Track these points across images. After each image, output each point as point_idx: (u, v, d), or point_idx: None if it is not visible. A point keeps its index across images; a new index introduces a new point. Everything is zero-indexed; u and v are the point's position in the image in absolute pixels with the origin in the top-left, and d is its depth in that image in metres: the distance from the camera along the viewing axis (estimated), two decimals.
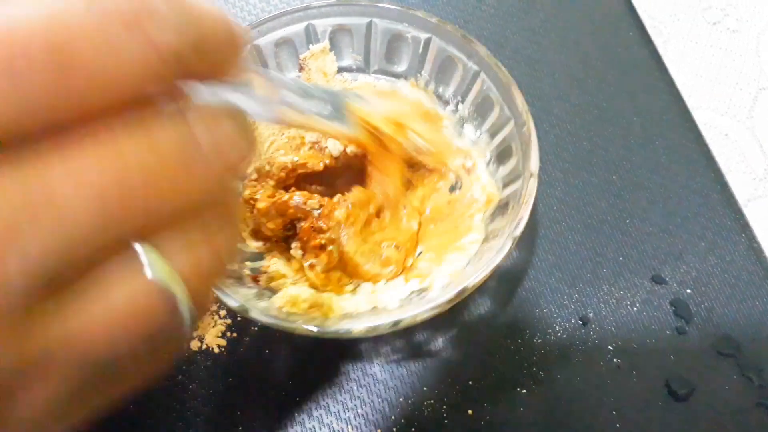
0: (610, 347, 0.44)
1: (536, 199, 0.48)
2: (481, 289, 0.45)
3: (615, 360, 0.44)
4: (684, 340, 0.45)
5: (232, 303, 0.34)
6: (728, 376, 0.44)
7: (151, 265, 0.17)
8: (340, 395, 0.42)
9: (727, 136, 0.81)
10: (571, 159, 0.51)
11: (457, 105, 0.46)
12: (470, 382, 0.43)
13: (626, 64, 0.56)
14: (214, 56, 0.19)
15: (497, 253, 0.36)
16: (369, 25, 0.45)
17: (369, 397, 0.42)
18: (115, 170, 0.15)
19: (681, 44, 0.87)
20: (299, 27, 0.45)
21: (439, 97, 0.47)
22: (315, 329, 0.34)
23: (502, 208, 0.42)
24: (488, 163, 0.45)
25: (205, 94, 0.18)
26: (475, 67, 0.44)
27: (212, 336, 0.43)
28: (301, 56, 0.46)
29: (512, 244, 0.36)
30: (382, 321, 0.34)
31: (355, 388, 0.43)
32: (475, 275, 0.35)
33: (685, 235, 0.48)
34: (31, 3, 0.15)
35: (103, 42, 0.15)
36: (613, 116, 0.53)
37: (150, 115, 0.16)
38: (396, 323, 0.34)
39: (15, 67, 0.14)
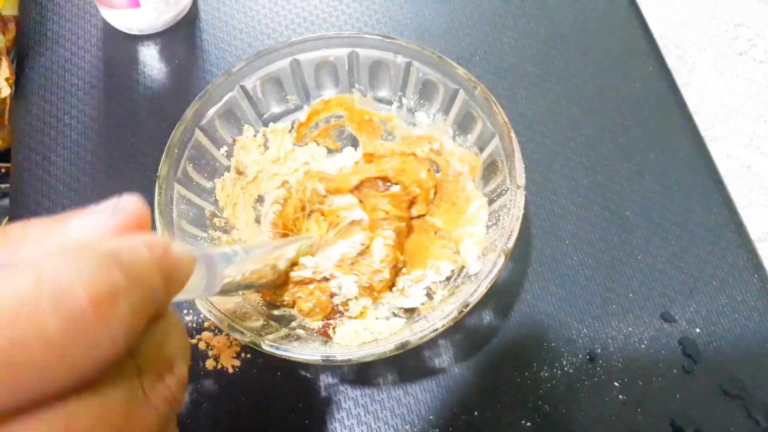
0: (616, 383, 0.45)
1: (548, 232, 0.49)
2: (490, 319, 0.46)
3: (621, 396, 0.44)
4: (691, 379, 0.45)
5: (243, 338, 0.36)
6: (734, 417, 0.44)
7: None
8: (348, 420, 0.43)
9: (749, 168, 0.81)
10: (585, 193, 0.52)
11: (400, 99, 0.48)
12: (476, 413, 0.44)
13: (644, 99, 0.56)
14: (164, 302, 0.21)
15: (492, 267, 0.37)
16: (351, 55, 0.46)
17: (376, 424, 0.43)
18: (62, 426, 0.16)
19: (706, 73, 0.87)
20: (284, 63, 0.46)
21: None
22: (319, 357, 0.36)
23: (490, 167, 0.44)
24: (453, 137, 0.47)
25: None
26: (454, 86, 0.45)
27: (227, 356, 0.45)
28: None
29: (505, 259, 0.37)
30: (387, 347, 0.36)
31: (362, 414, 0.44)
32: (472, 293, 0.36)
33: (696, 273, 0.49)
34: None
35: (59, 340, 0.16)
36: (628, 151, 0.53)
37: (102, 378, 0.18)
38: (403, 345, 0.35)
39: None
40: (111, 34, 0.58)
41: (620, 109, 0.56)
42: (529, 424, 0.43)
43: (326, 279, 0.42)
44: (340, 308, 0.42)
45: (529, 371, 0.45)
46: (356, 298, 0.42)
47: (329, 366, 0.44)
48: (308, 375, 0.45)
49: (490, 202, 0.44)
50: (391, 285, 0.44)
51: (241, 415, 0.43)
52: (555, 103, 0.56)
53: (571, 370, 0.45)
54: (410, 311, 0.43)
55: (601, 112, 0.55)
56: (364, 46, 0.46)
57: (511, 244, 0.38)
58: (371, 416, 0.43)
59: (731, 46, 0.91)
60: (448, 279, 0.44)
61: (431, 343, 0.45)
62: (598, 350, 0.46)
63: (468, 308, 0.36)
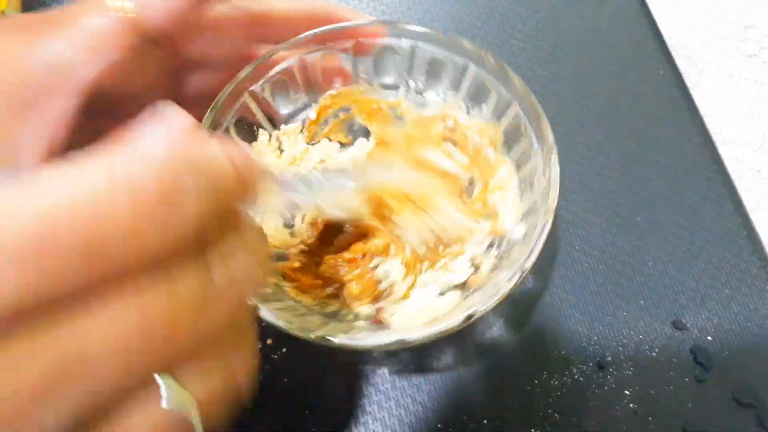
0: (626, 392, 0.44)
1: (558, 238, 0.49)
2: (499, 326, 0.45)
3: (631, 405, 0.44)
4: (702, 388, 0.44)
5: (309, 336, 0.36)
6: (747, 427, 0.43)
7: (169, 395, 0.18)
8: (355, 428, 0.43)
9: (759, 171, 0.80)
10: (595, 198, 0.51)
11: (407, 83, 0.48)
12: (485, 421, 0.43)
13: (655, 104, 0.55)
14: (235, 206, 0.21)
15: (507, 282, 0.36)
16: (413, 48, 0.46)
17: (384, 431, 0.43)
18: (138, 322, 0.17)
19: (715, 76, 0.87)
20: (291, 62, 0.45)
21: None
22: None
23: (512, 134, 0.43)
24: (467, 111, 0.46)
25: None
26: (462, 61, 0.44)
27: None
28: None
29: (521, 276, 0.36)
30: (389, 338, 0.35)
31: (370, 421, 0.43)
32: (483, 303, 0.35)
33: (708, 281, 0.48)
34: (60, 189, 0.16)
35: (131, 226, 0.17)
36: (639, 156, 0.53)
37: (171, 264, 0.18)
38: (470, 316, 0.35)
39: (44, 254, 0.16)
40: None
41: (630, 112, 0.55)
42: None
43: (374, 267, 0.42)
44: (385, 293, 0.42)
45: (538, 379, 0.44)
46: (403, 278, 0.42)
47: (338, 360, 0.44)
48: (317, 374, 0.44)
49: (518, 167, 0.43)
50: (433, 262, 0.44)
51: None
52: (564, 106, 0.55)
53: (581, 378, 0.44)
54: (460, 287, 0.42)
55: (611, 115, 0.55)
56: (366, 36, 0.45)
57: (553, 203, 0.37)
58: (378, 423, 0.43)
59: (740, 49, 0.90)
60: (489, 248, 0.43)
61: (439, 349, 0.45)
62: (609, 358, 0.45)
63: (525, 272, 0.36)
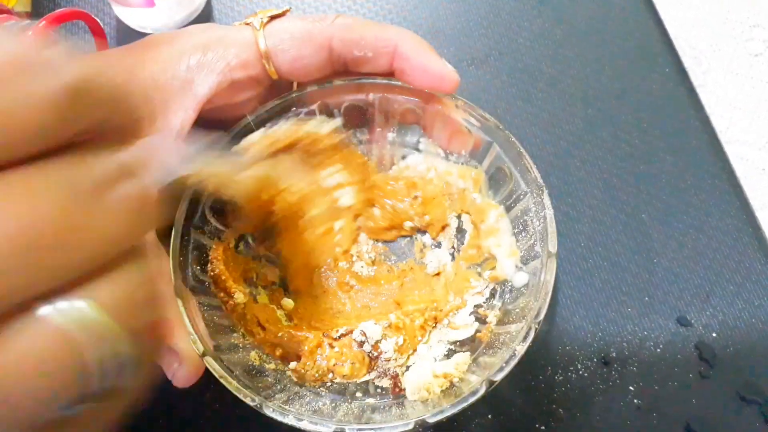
0: (631, 387, 0.44)
1: (563, 235, 0.49)
2: None
3: (636, 401, 0.44)
4: (707, 384, 0.45)
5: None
6: (751, 422, 0.44)
7: (63, 311, 0.17)
8: None
9: (764, 170, 0.80)
10: (601, 196, 0.51)
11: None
12: (489, 416, 0.43)
13: (661, 102, 0.56)
14: (104, 109, 0.19)
15: (522, 342, 0.36)
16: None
17: None
18: (19, 216, 0.16)
19: (721, 75, 0.87)
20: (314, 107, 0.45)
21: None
22: (412, 423, 0.34)
23: (496, 175, 0.43)
24: (446, 157, 0.46)
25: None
26: (486, 137, 0.43)
27: None
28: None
29: (536, 331, 0.36)
30: (479, 392, 0.34)
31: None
32: (501, 368, 0.35)
33: (713, 277, 0.48)
34: None
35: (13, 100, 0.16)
36: (645, 154, 0.53)
37: (48, 165, 0.17)
38: (491, 382, 0.35)
39: None
40: (125, 32, 0.57)
41: (637, 111, 0.55)
42: (543, 428, 0.43)
43: (344, 335, 0.41)
44: (374, 353, 0.42)
45: (543, 374, 0.45)
46: (384, 337, 0.42)
47: None
48: None
49: (508, 209, 0.43)
50: (434, 321, 0.44)
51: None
52: (571, 105, 0.55)
53: (585, 374, 0.45)
54: (470, 342, 0.42)
55: (617, 114, 0.55)
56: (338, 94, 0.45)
57: (553, 246, 0.38)
58: None
59: (746, 48, 0.90)
60: (491, 298, 0.43)
61: None
62: (613, 354, 0.45)
63: (540, 324, 0.36)
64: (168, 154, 0.25)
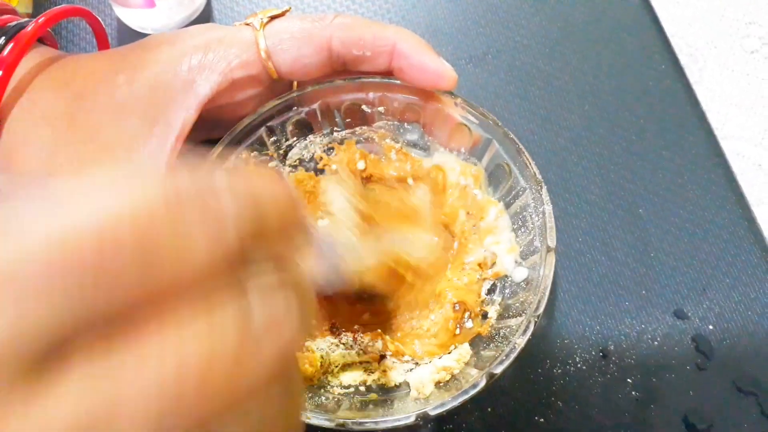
0: (629, 380, 0.45)
1: (561, 230, 0.49)
2: None
3: (634, 393, 0.44)
4: (704, 376, 0.45)
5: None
6: (748, 414, 0.44)
7: None
8: None
9: (760, 166, 0.81)
10: (598, 191, 0.52)
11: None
12: (489, 409, 0.44)
13: (657, 98, 0.56)
14: (278, 233, 0.19)
15: (522, 335, 0.36)
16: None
17: None
18: (174, 371, 0.15)
19: (717, 72, 0.87)
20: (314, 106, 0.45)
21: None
22: (413, 416, 0.35)
23: (495, 172, 0.44)
24: (455, 152, 0.46)
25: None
26: (486, 134, 0.44)
27: None
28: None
29: (535, 325, 0.37)
30: (410, 417, 0.35)
31: None
32: (501, 361, 0.36)
33: (709, 271, 0.49)
34: (114, 193, 0.15)
35: (181, 231, 0.16)
36: (641, 149, 0.54)
37: (214, 297, 0.16)
38: (492, 376, 0.35)
39: (104, 256, 0.14)
40: (125, 32, 0.58)
41: (633, 107, 0.56)
42: (542, 420, 0.44)
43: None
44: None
45: (542, 368, 0.45)
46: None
47: None
48: None
49: (507, 205, 0.44)
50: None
51: None
52: (568, 102, 0.56)
53: (584, 367, 0.45)
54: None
55: (614, 110, 0.55)
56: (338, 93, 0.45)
57: (552, 241, 0.38)
58: None
59: (742, 45, 0.91)
60: (490, 293, 0.44)
61: None
62: (611, 347, 0.46)
63: (539, 317, 0.36)
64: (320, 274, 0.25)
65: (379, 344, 0.41)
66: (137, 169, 0.16)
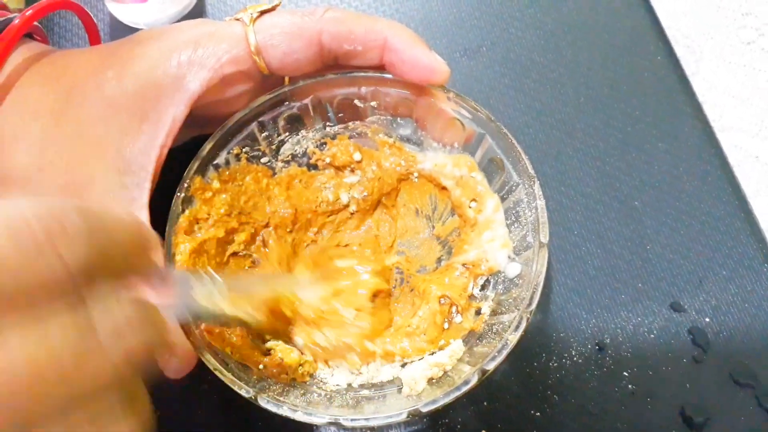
0: (625, 373, 0.45)
1: (556, 223, 0.49)
2: None
3: (630, 386, 0.44)
4: (701, 369, 0.45)
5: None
6: (745, 406, 0.44)
7: None
8: None
9: (757, 158, 0.80)
10: (594, 183, 0.51)
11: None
12: (485, 403, 0.44)
13: (652, 89, 0.56)
14: (121, 262, 0.21)
15: (515, 331, 0.36)
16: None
17: None
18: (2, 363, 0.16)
19: (714, 63, 0.87)
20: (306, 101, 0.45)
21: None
22: (405, 413, 0.34)
23: (489, 165, 0.43)
24: (447, 148, 0.46)
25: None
26: (479, 129, 0.43)
27: None
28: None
29: (528, 321, 0.36)
30: (403, 414, 0.34)
31: None
32: (494, 357, 0.35)
33: (706, 263, 0.49)
34: None
35: (17, 263, 0.17)
36: (637, 141, 0.53)
37: (48, 315, 0.18)
38: (484, 372, 0.35)
39: None
40: (117, 27, 0.58)
41: (629, 99, 0.55)
42: (538, 414, 0.43)
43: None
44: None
45: (537, 361, 0.45)
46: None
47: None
48: None
49: (501, 200, 0.44)
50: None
51: None
52: (563, 94, 0.55)
53: (580, 360, 0.45)
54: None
55: (609, 102, 0.55)
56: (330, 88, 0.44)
57: (545, 237, 0.38)
58: None
59: (739, 36, 0.90)
60: (483, 288, 0.44)
61: None
62: (607, 340, 0.46)
63: (531, 316, 0.36)
64: (175, 294, 0.27)
65: (354, 357, 0.41)
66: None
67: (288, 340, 0.42)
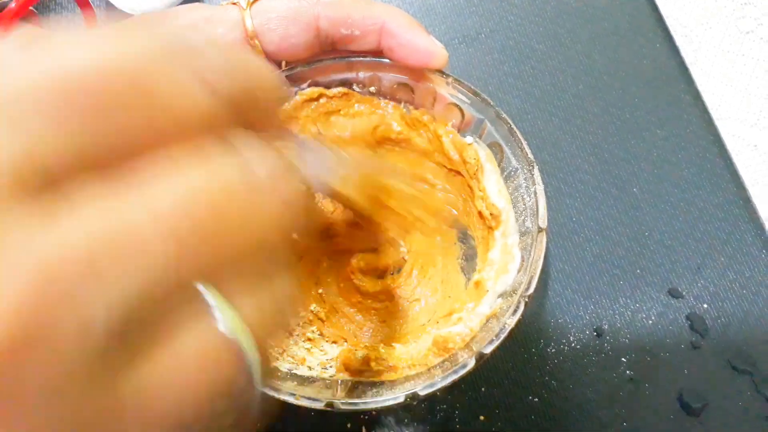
0: (623, 359, 0.45)
1: (555, 210, 0.49)
2: None
3: (628, 372, 0.44)
4: (698, 355, 0.45)
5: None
6: (743, 392, 0.44)
7: (221, 313, 0.16)
8: None
9: (756, 147, 0.80)
10: (593, 170, 0.51)
11: None
12: (483, 389, 0.44)
13: (651, 76, 0.56)
14: (261, 104, 0.19)
15: (512, 316, 0.35)
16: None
17: None
18: (185, 201, 0.15)
19: (712, 53, 0.86)
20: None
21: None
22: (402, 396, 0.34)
23: (489, 149, 0.43)
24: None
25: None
26: (429, 86, 0.43)
27: None
28: None
29: (525, 306, 0.36)
30: (400, 397, 0.34)
31: None
32: (491, 341, 0.35)
33: (704, 249, 0.48)
34: (112, 45, 0.16)
35: (175, 82, 0.16)
36: (636, 128, 0.53)
37: (209, 148, 0.16)
38: (482, 356, 0.34)
39: (103, 98, 0.14)
40: (114, 14, 0.57)
41: (628, 86, 0.55)
42: (536, 400, 0.43)
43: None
44: None
45: (536, 347, 0.45)
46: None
47: None
48: None
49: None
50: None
51: None
52: (562, 81, 0.55)
53: (578, 346, 0.45)
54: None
55: (608, 89, 0.55)
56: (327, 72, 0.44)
57: (543, 222, 0.38)
58: None
59: (738, 26, 0.90)
60: None
61: None
62: (606, 326, 0.46)
63: (529, 298, 0.36)
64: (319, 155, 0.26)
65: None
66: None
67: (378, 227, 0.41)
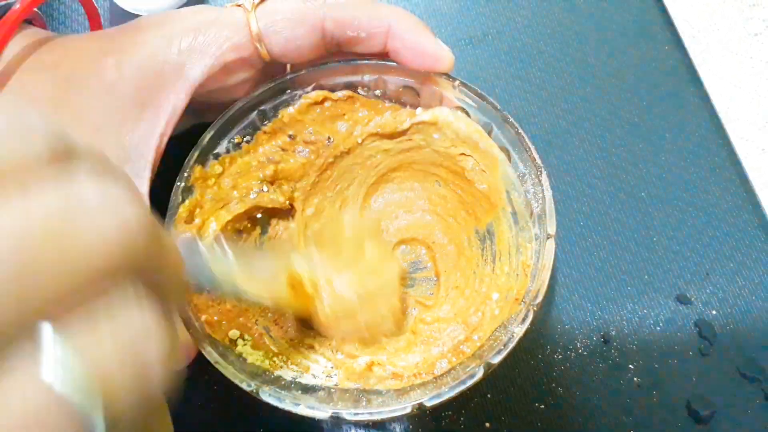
0: (631, 366, 0.44)
1: (562, 214, 0.49)
2: None
3: (635, 379, 0.44)
4: (707, 362, 0.44)
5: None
6: (752, 400, 0.43)
7: (53, 359, 0.14)
8: None
9: (764, 150, 0.80)
10: (600, 174, 0.51)
11: None
12: (489, 395, 0.43)
13: (660, 79, 0.55)
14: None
15: (521, 324, 0.35)
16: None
17: None
18: (21, 221, 0.14)
19: (720, 55, 0.86)
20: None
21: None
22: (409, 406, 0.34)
23: (504, 153, 0.42)
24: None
25: None
26: (434, 88, 0.42)
27: None
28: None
29: (534, 314, 0.35)
30: (407, 408, 0.34)
31: None
32: (499, 351, 0.35)
33: (713, 255, 0.48)
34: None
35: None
36: (644, 132, 0.53)
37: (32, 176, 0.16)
38: (489, 365, 0.34)
39: None
40: (118, 14, 0.57)
41: (636, 89, 0.55)
42: (542, 406, 0.43)
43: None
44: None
45: (542, 353, 0.44)
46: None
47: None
48: None
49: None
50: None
51: None
52: (570, 83, 0.55)
53: (585, 353, 0.45)
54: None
55: (616, 92, 0.54)
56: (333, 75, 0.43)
57: (552, 228, 0.37)
58: None
59: (746, 27, 0.89)
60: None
61: None
62: (613, 332, 0.45)
63: (538, 306, 0.35)
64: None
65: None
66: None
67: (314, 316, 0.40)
